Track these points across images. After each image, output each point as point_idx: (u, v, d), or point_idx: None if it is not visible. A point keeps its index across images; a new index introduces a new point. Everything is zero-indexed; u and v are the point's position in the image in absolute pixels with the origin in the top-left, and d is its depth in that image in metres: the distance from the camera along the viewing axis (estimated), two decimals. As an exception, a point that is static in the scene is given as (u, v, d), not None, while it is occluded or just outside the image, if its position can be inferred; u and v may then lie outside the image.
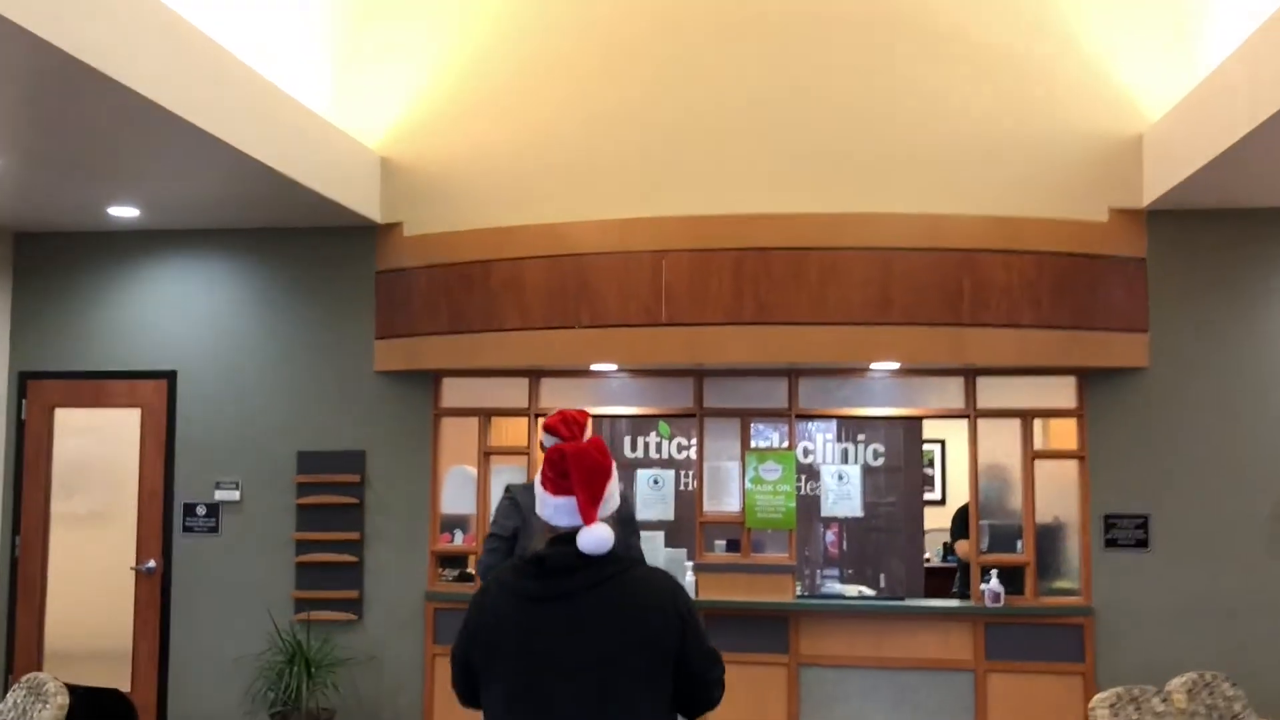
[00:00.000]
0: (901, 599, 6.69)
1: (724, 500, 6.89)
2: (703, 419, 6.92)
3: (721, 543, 7.04)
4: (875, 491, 8.01)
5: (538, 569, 2.47)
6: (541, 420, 5.22)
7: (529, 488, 5.17)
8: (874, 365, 6.61)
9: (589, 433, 4.85)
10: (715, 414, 6.91)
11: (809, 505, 7.51)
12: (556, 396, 7.05)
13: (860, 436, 8.43)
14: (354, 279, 7.18)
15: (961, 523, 7.12)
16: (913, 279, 6.28)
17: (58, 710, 4.47)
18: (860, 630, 6.61)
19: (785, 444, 6.90)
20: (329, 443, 7.14)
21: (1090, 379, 6.61)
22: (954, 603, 6.68)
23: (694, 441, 7.00)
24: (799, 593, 6.82)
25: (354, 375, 7.16)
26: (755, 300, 6.33)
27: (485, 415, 7.10)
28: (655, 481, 7.05)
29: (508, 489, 5.16)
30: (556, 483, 2.49)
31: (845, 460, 7.81)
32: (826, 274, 6.30)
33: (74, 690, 4.71)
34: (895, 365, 6.59)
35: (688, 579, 6.57)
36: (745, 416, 6.89)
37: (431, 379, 7.13)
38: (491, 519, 4.88)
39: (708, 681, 2.55)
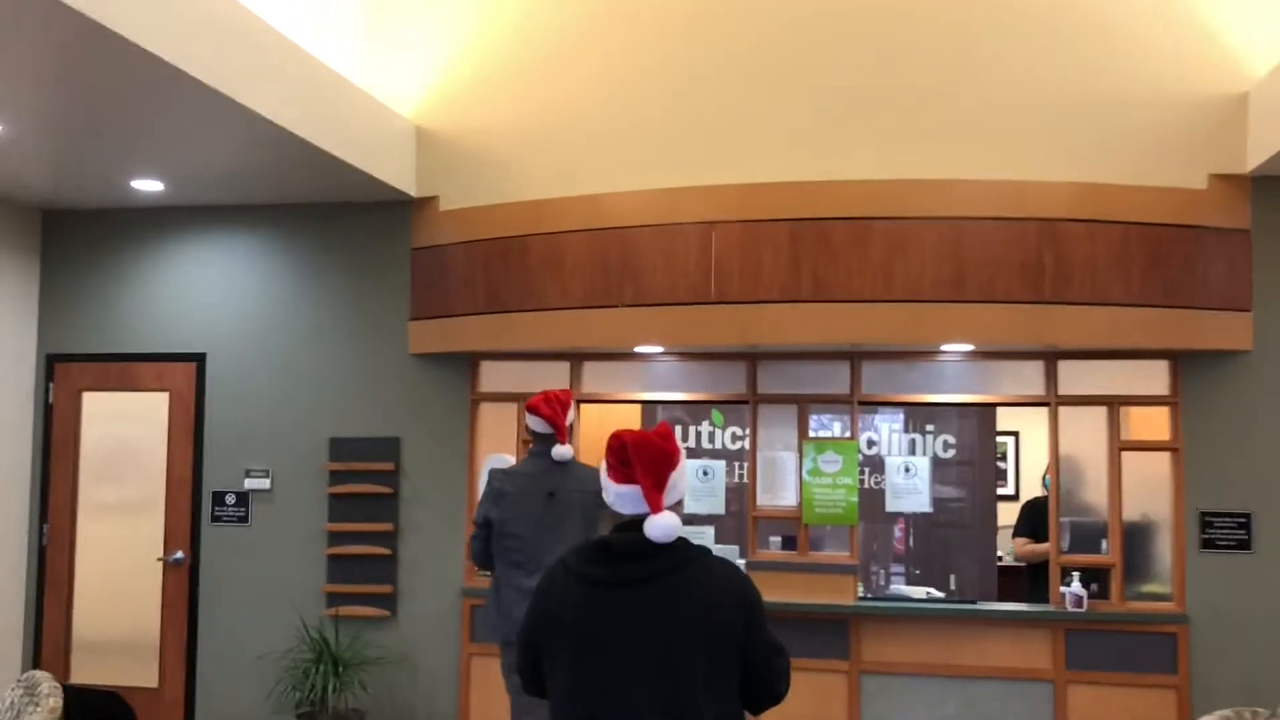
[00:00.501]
0: (973, 602, 6.15)
1: (779, 494, 6.39)
2: (756, 406, 6.43)
3: (776, 539, 6.55)
4: (945, 485, 7.45)
5: (605, 554, 2.46)
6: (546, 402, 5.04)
7: (511, 473, 4.98)
8: (945, 347, 6.06)
9: (572, 412, 4.94)
10: (770, 400, 6.41)
11: (872, 500, 6.97)
12: (600, 380, 6.61)
13: (929, 426, 7.86)
14: (388, 256, 6.80)
15: (1031, 518, 6.55)
16: (989, 252, 5.72)
17: (48, 714, 4.14)
18: (928, 635, 6.08)
19: (847, 434, 6.38)
20: (362, 429, 6.77)
21: (1185, 363, 5.99)
22: (1032, 607, 6.11)
23: (748, 431, 6.50)
24: (861, 594, 6.30)
25: (388, 358, 6.78)
26: (813, 276, 5.81)
27: (525, 401, 6.66)
28: (704, 473, 6.56)
29: (491, 474, 4.91)
30: (619, 471, 2.49)
31: (912, 451, 7.25)
32: (892, 247, 5.76)
33: (71, 690, 4.38)
34: (968, 347, 6.03)
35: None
36: (803, 403, 6.38)
37: (468, 362, 6.72)
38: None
39: (772, 673, 2.51)
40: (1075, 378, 6.13)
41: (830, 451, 6.28)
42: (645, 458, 2.46)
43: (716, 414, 8.01)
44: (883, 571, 6.67)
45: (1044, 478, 6.53)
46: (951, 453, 7.88)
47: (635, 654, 2.37)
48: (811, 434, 6.38)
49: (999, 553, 8.02)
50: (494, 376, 6.74)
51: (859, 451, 6.35)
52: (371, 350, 6.80)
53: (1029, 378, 6.20)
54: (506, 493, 4.77)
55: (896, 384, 6.35)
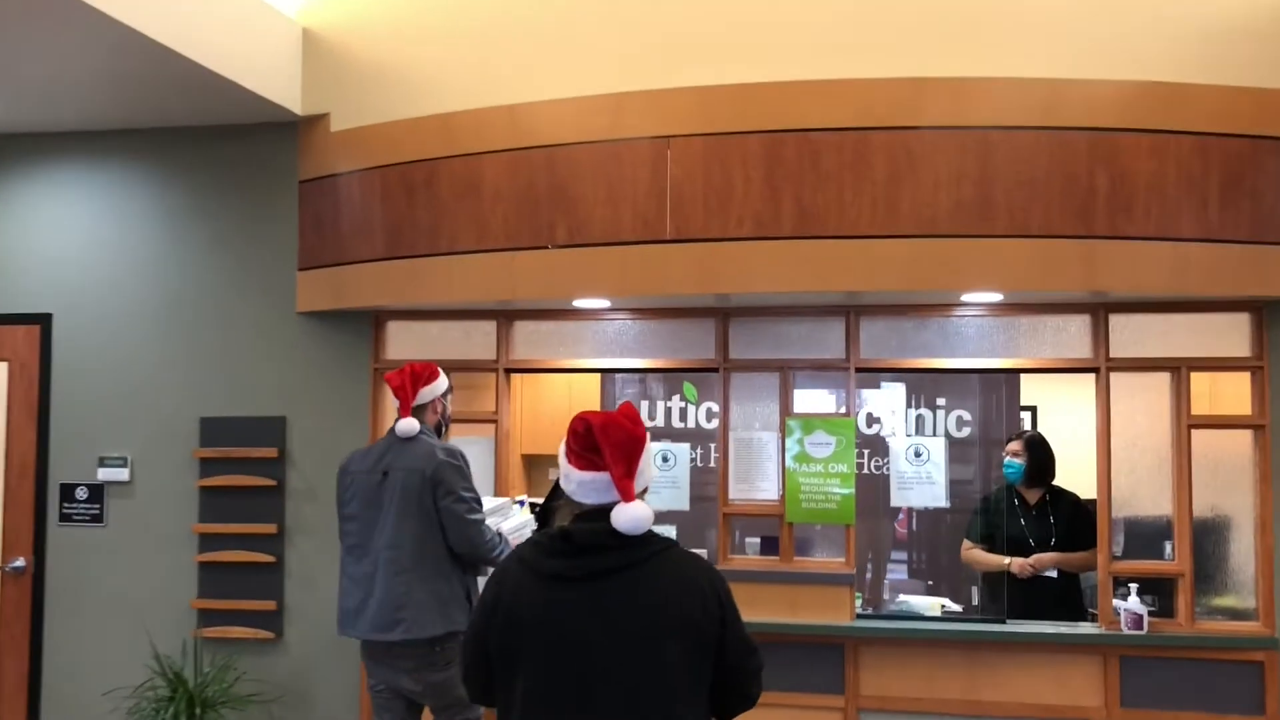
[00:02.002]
0: (1002, 619, 4.89)
1: (757, 484, 5.09)
2: (728, 374, 5.11)
3: (754, 541, 5.26)
4: (963, 473, 6.13)
5: (565, 546, 2.30)
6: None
7: (361, 450, 4.39)
8: (965, 297, 4.74)
9: (443, 383, 4.37)
10: (745, 367, 5.10)
11: (874, 491, 5.66)
12: (535, 344, 5.30)
13: (940, 400, 6.52)
14: (271, 192, 5.48)
15: (986, 518, 5.34)
16: (1022, 172, 4.41)
17: None
18: (944, 662, 4.81)
19: (842, 408, 5.07)
20: (240, 406, 5.47)
21: (1274, 316, 4.69)
22: (1078, 628, 4.81)
23: (718, 405, 5.20)
24: (860, 610, 5.02)
25: (272, 318, 5.46)
26: (797, 205, 4.50)
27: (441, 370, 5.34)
28: (664, 459, 5.26)
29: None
30: (584, 457, 2.32)
31: (920, 431, 5.93)
32: (899, 166, 4.44)
33: None
34: (996, 296, 4.72)
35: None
36: (786, 370, 5.07)
37: (370, 322, 5.41)
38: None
39: (746, 675, 2.36)
40: (1131, 336, 4.83)
41: (820, 431, 4.97)
42: (614, 442, 2.30)
43: (689, 387, 6.67)
44: (887, 582, 5.37)
45: (1006, 461, 5.24)
46: (967, 431, 6.55)
47: (605, 653, 2.23)
48: (797, 409, 5.08)
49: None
50: (403, 340, 5.43)
51: (857, 430, 5.04)
52: (251, 309, 5.48)
53: (1072, 336, 4.89)
54: (349, 471, 4.29)
55: (903, 346, 5.04)
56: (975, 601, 5.45)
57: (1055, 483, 5.31)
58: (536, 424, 6.88)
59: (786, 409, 5.05)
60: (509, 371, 5.29)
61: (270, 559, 5.36)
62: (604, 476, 2.30)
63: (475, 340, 5.32)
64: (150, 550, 5.49)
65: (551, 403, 8.06)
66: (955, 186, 4.42)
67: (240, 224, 5.51)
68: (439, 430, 4.41)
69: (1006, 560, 5.12)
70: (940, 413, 6.54)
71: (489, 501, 4.46)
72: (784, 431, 5.02)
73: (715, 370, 5.13)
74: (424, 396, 4.29)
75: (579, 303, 4.98)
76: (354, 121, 5.19)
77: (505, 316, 5.27)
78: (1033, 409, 8.27)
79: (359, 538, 4.22)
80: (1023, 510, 5.23)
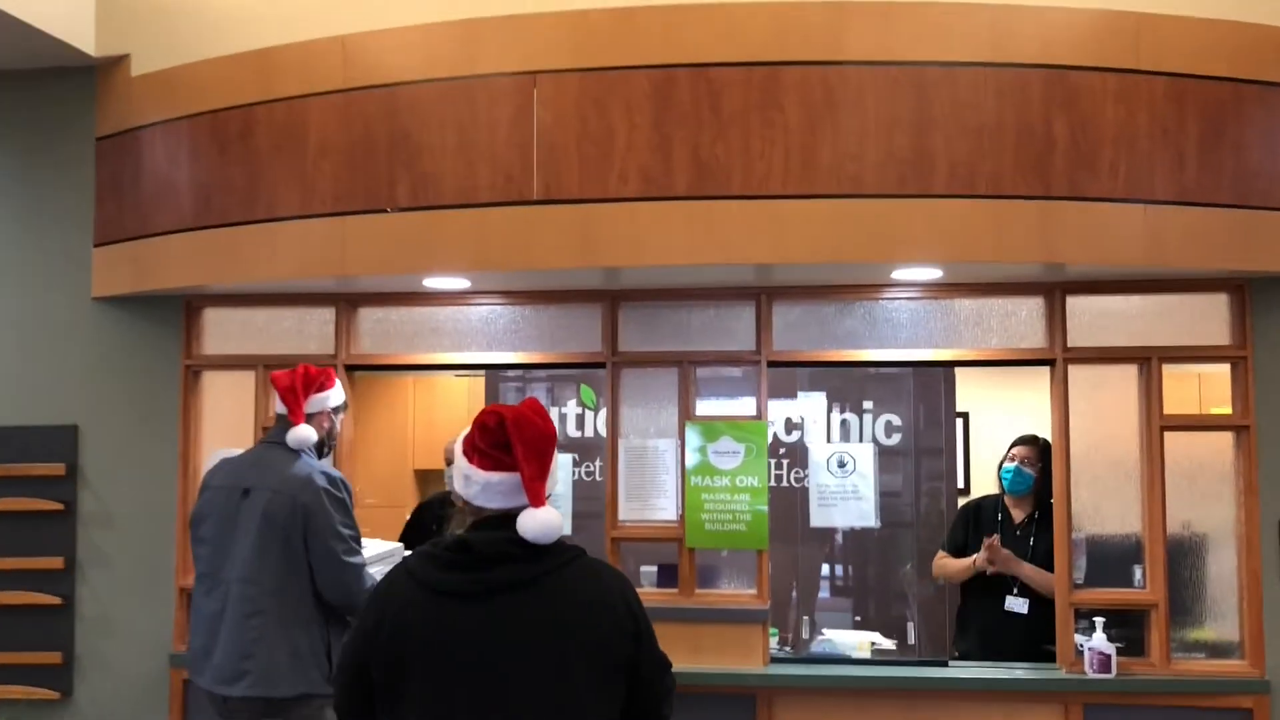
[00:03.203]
0: (944, 661, 4.09)
1: (652, 502, 4.22)
2: (617, 371, 4.24)
3: (650, 570, 4.39)
4: (894, 487, 5.32)
5: (462, 558, 2.03)
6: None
7: (227, 460, 3.61)
8: (898, 274, 3.93)
9: (333, 394, 3.59)
10: (638, 361, 4.23)
11: (790, 508, 4.82)
12: (382, 337, 4.39)
13: (867, 403, 5.73)
14: (62, 152, 4.51)
15: (966, 525, 4.51)
16: (966, 119, 3.62)
17: None
18: (875, 714, 3.98)
19: (751, 411, 4.22)
20: (22, 413, 4.46)
21: (1260, 296, 3.96)
22: (1036, 671, 4.01)
23: (604, 407, 4.32)
24: (776, 652, 4.18)
25: (61, 304, 4.48)
26: (692, 158, 3.65)
27: (268, 368, 4.39)
28: (541, 472, 4.36)
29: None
30: (492, 456, 2.06)
31: (846, 438, 5.13)
32: (817, 110, 3.62)
33: None
34: (935, 273, 3.91)
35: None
36: (686, 364, 4.21)
37: (181, 309, 4.44)
38: None
39: (659, 694, 2.16)
40: (1093, 321, 4.06)
41: (726, 437, 4.12)
42: (528, 438, 2.03)
43: (587, 390, 5.81)
44: (806, 619, 4.53)
45: (1002, 468, 4.45)
46: (897, 438, 5.76)
47: (508, 679, 1.98)
48: (699, 412, 4.22)
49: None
50: (223, 332, 4.47)
51: (769, 436, 4.20)
52: (37, 294, 4.49)
53: (1023, 323, 4.10)
54: (209, 486, 3.56)
55: (824, 335, 4.20)
56: (912, 639, 4.61)
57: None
58: (431, 433, 5.98)
59: (687, 411, 4.19)
60: (350, 369, 4.35)
61: (56, 600, 4.36)
62: (514, 478, 2.05)
63: (310, 331, 4.39)
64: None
65: (447, 410, 7.17)
66: (885, 135, 3.61)
67: (24, 191, 4.52)
68: (320, 450, 3.58)
69: (974, 559, 4.28)
70: (868, 417, 5.76)
71: (374, 545, 3.58)
72: (683, 439, 4.16)
73: (602, 366, 4.25)
74: (313, 405, 3.53)
75: (430, 282, 4.07)
76: (158, 63, 4.25)
77: (346, 302, 4.34)
78: (964, 415, 7.55)
79: (208, 565, 3.45)
80: (1004, 525, 4.38)
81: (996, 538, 4.23)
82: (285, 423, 3.50)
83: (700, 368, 4.23)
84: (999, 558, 4.21)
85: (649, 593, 4.24)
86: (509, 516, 2.03)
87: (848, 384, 5.77)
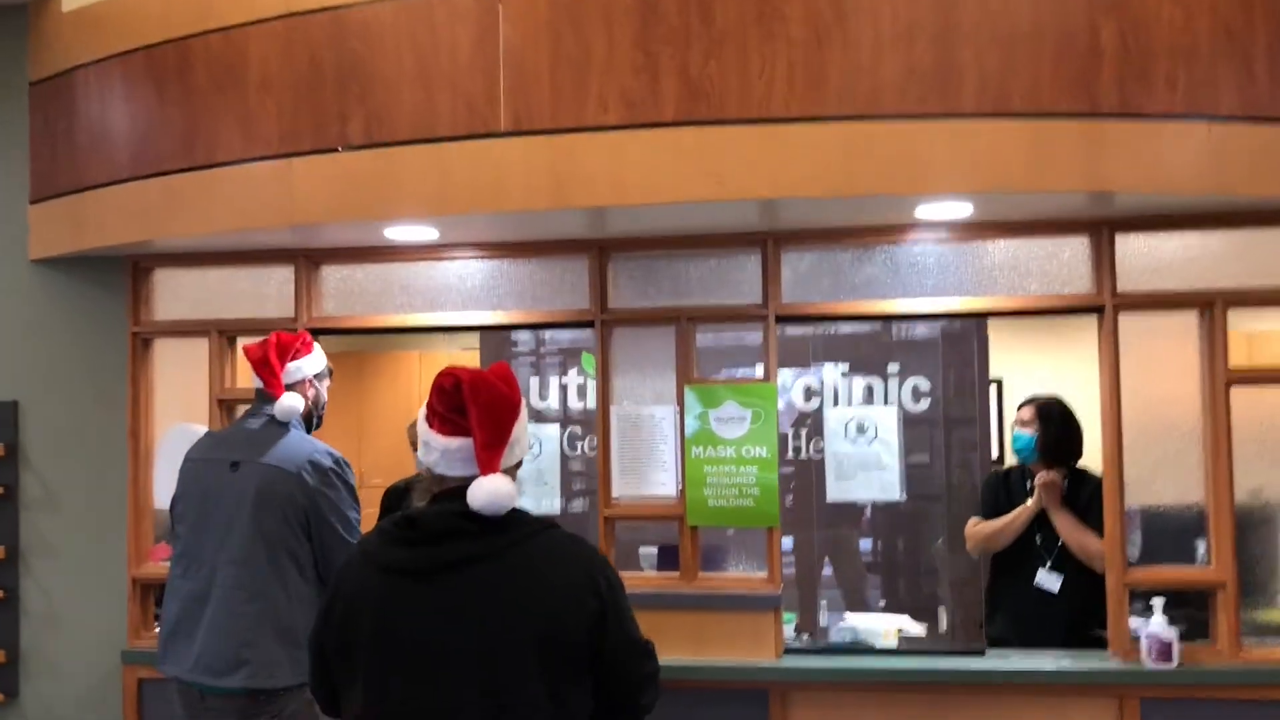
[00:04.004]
0: (979, 650, 3.62)
1: (649, 476, 3.76)
2: (608, 330, 3.78)
3: (649, 552, 3.95)
4: (921, 458, 4.80)
5: (408, 533, 1.95)
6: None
7: (210, 435, 3.39)
8: (922, 211, 3.44)
9: (309, 360, 3.22)
10: (631, 319, 3.77)
11: (805, 481, 4.34)
12: (348, 297, 3.96)
13: (892, 365, 5.22)
14: (-8, 100, 4.09)
15: (992, 498, 4.03)
16: (998, 26, 3.12)
17: None
18: (903, 711, 3.52)
19: (759, 372, 3.75)
20: (-44, 389, 4.07)
21: (1341, 228, 3.45)
22: (1083, 662, 3.53)
23: (595, 371, 3.87)
24: (790, 642, 3.72)
25: (-4, 269, 4.08)
26: (681, 78, 3.17)
27: (224, 334, 3.98)
28: (530, 447, 3.91)
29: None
30: (449, 420, 1.96)
31: (871, 400, 4.62)
32: (824, 18, 3.13)
33: None
34: (965, 209, 3.41)
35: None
36: (685, 321, 3.74)
37: (126, 270, 4.02)
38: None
39: (633, 682, 2.01)
40: (1147, 262, 3.56)
41: (731, 402, 3.66)
42: (484, 402, 1.93)
43: (589, 358, 5.34)
44: (823, 604, 4.02)
45: (1014, 433, 3.96)
46: (925, 404, 5.26)
47: (453, 666, 1.86)
48: (700, 374, 3.76)
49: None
50: (173, 295, 4.05)
51: (779, 399, 3.72)
52: (-31, 257, 4.09)
53: (1066, 265, 3.60)
54: (189, 459, 3.22)
55: (839, 285, 3.72)
56: (945, 625, 4.13)
57: (1082, 463, 3.94)
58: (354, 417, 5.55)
59: (686, 374, 3.73)
60: (313, 333, 3.90)
61: (-3, 593, 3.97)
62: (470, 443, 1.95)
63: (268, 292, 3.96)
64: None
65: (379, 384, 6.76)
66: (905, 46, 3.11)
67: (-46, 144, 4.11)
68: (309, 423, 3.22)
69: (1023, 507, 3.83)
70: (893, 382, 5.25)
71: None
72: (682, 404, 3.70)
73: (590, 324, 3.79)
74: (290, 376, 3.17)
75: (392, 233, 3.62)
76: (90, -4, 3.81)
77: (306, 258, 3.91)
78: (997, 382, 7.02)
79: (188, 544, 3.09)
80: (1032, 493, 3.88)
81: (1056, 476, 3.75)
82: (265, 397, 3.13)
83: (701, 324, 3.77)
84: (1049, 490, 3.74)
85: (648, 577, 3.81)
86: (465, 488, 1.91)
87: (872, 347, 5.27)
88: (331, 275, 3.94)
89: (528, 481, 3.87)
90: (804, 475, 4.57)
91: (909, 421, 4.93)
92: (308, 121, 3.39)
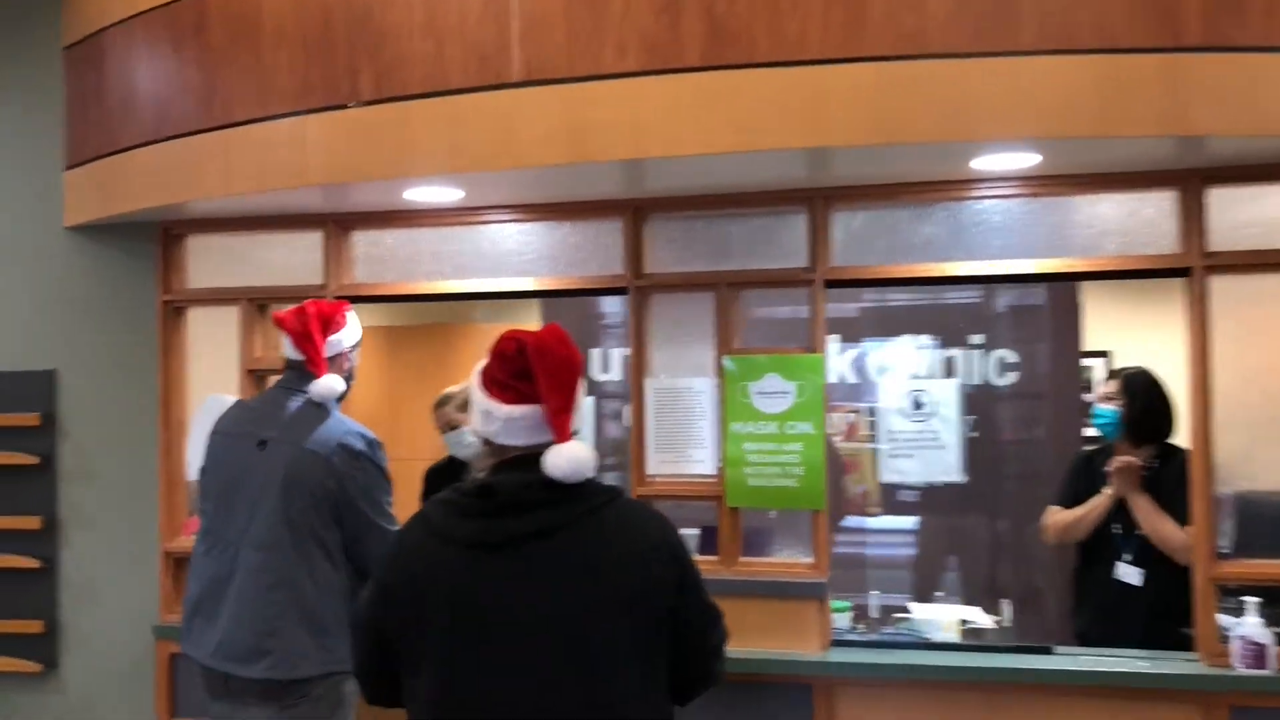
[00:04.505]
0: (1047, 648, 3.29)
1: (685, 452, 3.52)
2: (642, 296, 3.54)
3: (690, 533, 3.70)
4: (1005, 434, 4.43)
5: (484, 504, 1.85)
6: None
7: (238, 405, 3.20)
8: (979, 163, 3.10)
9: (346, 333, 3.05)
10: (667, 284, 3.52)
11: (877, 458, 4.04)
12: (379, 263, 3.80)
13: (975, 336, 4.86)
14: (27, 66, 4.06)
15: (1074, 481, 3.67)
16: (1064, -51, 2.75)
17: None
18: (960, 712, 3.21)
19: (808, 341, 3.45)
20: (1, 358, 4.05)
21: None
22: (1166, 661, 3.16)
23: (628, 341, 3.62)
24: (839, 633, 3.44)
25: (33, 238, 4.04)
26: (706, 17, 2.90)
27: (254, 302, 3.87)
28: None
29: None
30: (512, 387, 1.88)
31: (950, 374, 4.27)
32: (864, -53, 2.82)
33: None
34: (1031, 159, 3.06)
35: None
36: (724, 287, 3.47)
37: (156, 237, 3.94)
38: None
39: (708, 649, 1.98)
40: (1240, 218, 3.15)
41: (773, 375, 3.39)
42: (551, 366, 1.85)
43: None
44: (873, 592, 3.71)
45: (1096, 411, 3.59)
46: (1012, 378, 4.88)
47: (537, 637, 1.79)
48: (742, 345, 3.49)
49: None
50: (204, 262, 3.95)
51: (826, 371, 3.43)
52: (5, 225, 4.06)
53: (1149, 222, 3.22)
54: (217, 432, 3.07)
55: (895, 246, 3.41)
56: (1016, 616, 3.78)
57: (1173, 441, 3.56)
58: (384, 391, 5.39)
59: (726, 344, 3.46)
60: (345, 300, 3.77)
61: (34, 563, 3.94)
62: (537, 411, 1.87)
63: (298, 260, 3.83)
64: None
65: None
66: (955, -24, 2.78)
67: (-6, 110, 4.08)
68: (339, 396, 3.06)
69: (1100, 496, 3.50)
70: (975, 354, 4.90)
71: None
72: (722, 376, 3.44)
73: (623, 291, 3.56)
74: (330, 349, 3.01)
75: (412, 194, 3.43)
76: (115, -47, 3.71)
77: (335, 224, 3.76)
78: (1105, 354, 6.55)
79: (213, 522, 2.97)
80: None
81: (1133, 460, 3.40)
82: (300, 369, 2.98)
83: (743, 290, 3.49)
84: (1123, 476, 3.40)
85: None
86: (533, 456, 1.85)
87: (952, 316, 4.93)
88: (361, 241, 3.79)
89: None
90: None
91: (995, 396, 4.58)
92: (320, 77, 3.22)
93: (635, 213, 3.51)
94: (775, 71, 2.85)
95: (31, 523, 3.93)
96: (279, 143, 3.29)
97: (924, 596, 4.37)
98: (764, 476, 3.39)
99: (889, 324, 4.84)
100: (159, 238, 3.91)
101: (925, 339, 4.81)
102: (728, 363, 3.41)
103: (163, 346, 3.91)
